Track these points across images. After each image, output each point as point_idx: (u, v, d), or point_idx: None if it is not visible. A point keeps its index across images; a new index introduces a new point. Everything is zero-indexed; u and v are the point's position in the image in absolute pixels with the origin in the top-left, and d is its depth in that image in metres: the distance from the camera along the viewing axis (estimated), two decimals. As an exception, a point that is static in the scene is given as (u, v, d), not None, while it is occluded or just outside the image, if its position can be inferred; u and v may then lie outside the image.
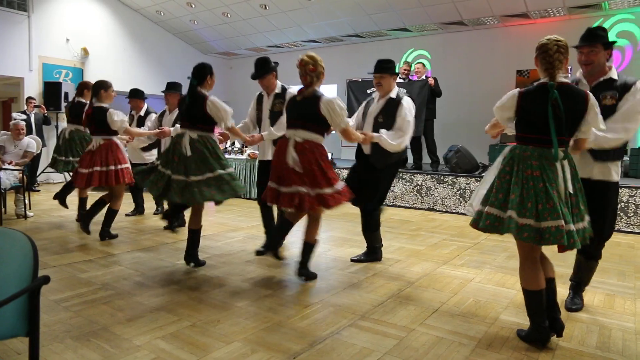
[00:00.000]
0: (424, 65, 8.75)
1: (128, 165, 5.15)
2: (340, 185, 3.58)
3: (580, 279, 3.37)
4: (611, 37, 8.87)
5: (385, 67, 4.03)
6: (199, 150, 3.83)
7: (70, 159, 5.89)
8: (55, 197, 5.94)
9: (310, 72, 3.54)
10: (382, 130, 3.96)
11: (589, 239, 2.65)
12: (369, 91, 8.59)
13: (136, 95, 6.36)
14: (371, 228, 4.40)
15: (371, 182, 4.22)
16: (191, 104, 3.91)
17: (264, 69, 4.33)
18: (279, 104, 4.33)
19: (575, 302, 3.32)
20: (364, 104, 4.35)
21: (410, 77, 8.68)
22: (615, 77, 3.03)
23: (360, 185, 4.18)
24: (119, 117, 4.94)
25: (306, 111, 3.54)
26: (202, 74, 3.96)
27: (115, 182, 4.97)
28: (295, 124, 3.59)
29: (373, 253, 4.46)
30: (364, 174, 4.24)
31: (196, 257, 4.17)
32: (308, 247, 3.77)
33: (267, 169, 4.07)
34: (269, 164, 4.11)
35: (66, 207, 6.01)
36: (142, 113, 6.30)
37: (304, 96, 3.58)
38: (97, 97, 4.99)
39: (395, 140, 3.95)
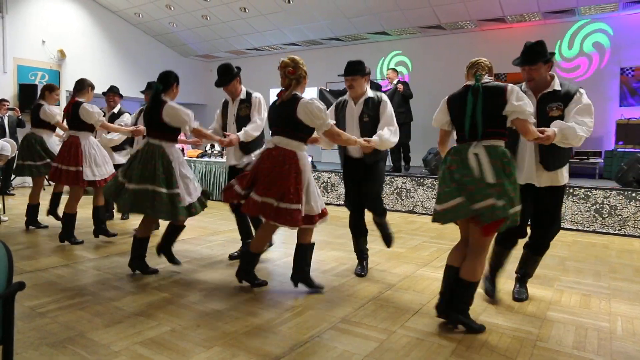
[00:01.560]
0: (395, 70, 8.76)
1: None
2: (296, 206, 3.26)
3: (525, 272, 3.63)
4: (586, 46, 9.06)
5: (356, 69, 3.87)
6: (148, 159, 3.75)
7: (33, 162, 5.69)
8: (48, 214, 5.97)
9: (289, 74, 3.40)
10: (379, 132, 3.81)
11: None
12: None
13: (112, 90, 6.28)
14: (385, 226, 4.30)
15: (370, 180, 4.04)
16: (151, 110, 3.86)
17: (227, 76, 4.27)
18: (245, 108, 4.33)
19: (522, 292, 3.58)
20: (333, 107, 4.12)
21: (380, 83, 8.70)
22: (558, 87, 3.21)
23: (362, 191, 4.06)
24: (94, 109, 4.93)
25: (284, 116, 3.39)
26: (167, 80, 3.92)
27: (72, 183, 4.94)
28: (276, 130, 3.46)
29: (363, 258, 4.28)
30: (364, 177, 4.03)
31: (144, 264, 4.08)
32: (302, 247, 3.63)
33: (236, 174, 3.89)
34: (236, 169, 4.26)
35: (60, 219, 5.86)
36: (115, 110, 6.16)
37: (283, 100, 3.43)
38: (79, 92, 5.05)
39: (394, 137, 3.85)
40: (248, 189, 3.42)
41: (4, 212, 6.40)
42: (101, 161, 5.09)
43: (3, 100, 9.21)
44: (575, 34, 9.29)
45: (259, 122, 4.25)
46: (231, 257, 4.60)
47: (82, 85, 5.09)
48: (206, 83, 14.29)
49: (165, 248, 4.17)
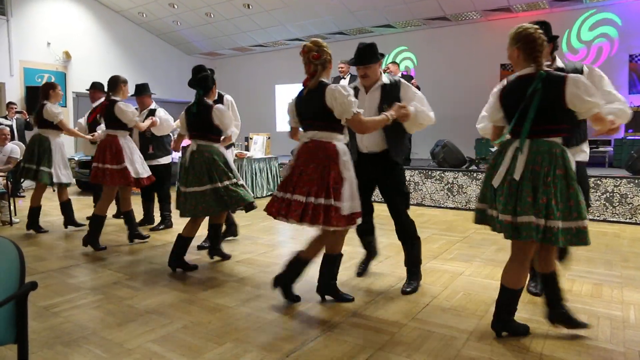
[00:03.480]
0: (396, 63, 8.71)
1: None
2: (345, 204, 2.97)
3: None
4: (592, 34, 8.99)
5: (370, 56, 3.40)
6: (200, 162, 3.89)
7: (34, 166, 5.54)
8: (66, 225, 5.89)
9: (314, 59, 3.03)
10: (412, 103, 3.34)
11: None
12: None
13: (96, 87, 6.33)
14: (413, 234, 3.62)
15: (393, 182, 3.55)
16: (200, 114, 3.93)
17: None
18: None
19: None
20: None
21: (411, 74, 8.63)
22: (561, 65, 3.14)
23: (386, 198, 3.59)
24: (129, 108, 4.88)
25: (314, 106, 3.03)
26: (207, 85, 4.01)
27: (118, 182, 4.84)
28: (308, 123, 3.11)
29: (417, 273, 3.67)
30: (383, 177, 3.55)
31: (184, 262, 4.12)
32: (329, 258, 3.28)
33: None
34: None
35: (80, 224, 5.93)
36: (94, 105, 6.13)
37: (310, 88, 3.07)
38: (114, 91, 4.96)
39: (431, 113, 3.44)
40: (289, 192, 3.09)
41: (15, 214, 6.45)
42: (141, 160, 5.06)
43: (11, 103, 9.28)
44: (582, 23, 9.20)
45: (238, 124, 4.51)
46: (200, 247, 4.72)
47: (115, 83, 4.97)
48: (236, 80, 14.32)
49: (216, 248, 4.36)
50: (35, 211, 5.71)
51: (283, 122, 13.20)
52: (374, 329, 2.83)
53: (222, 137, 4.14)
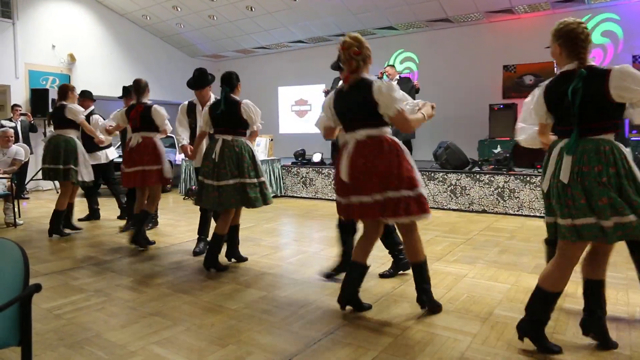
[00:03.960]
0: (393, 67, 8.69)
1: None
2: (422, 190, 2.94)
3: None
4: (595, 35, 8.97)
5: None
6: (230, 156, 3.99)
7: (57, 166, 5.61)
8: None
9: (355, 55, 2.92)
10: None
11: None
12: None
13: (85, 96, 6.46)
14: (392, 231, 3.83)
15: None
16: (229, 110, 4.02)
17: (203, 80, 4.49)
18: None
19: None
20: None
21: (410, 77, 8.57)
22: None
23: None
24: (164, 112, 5.01)
25: (359, 103, 2.93)
26: (231, 82, 4.12)
27: (156, 182, 4.93)
28: (352, 122, 2.99)
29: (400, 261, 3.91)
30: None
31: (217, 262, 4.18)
32: (417, 267, 3.14)
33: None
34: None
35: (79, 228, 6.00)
36: (85, 113, 6.12)
37: (351, 85, 2.97)
38: (144, 95, 5.09)
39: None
40: (348, 195, 3.00)
41: (19, 216, 6.48)
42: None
43: (16, 105, 9.32)
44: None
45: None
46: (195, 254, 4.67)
47: (142, 87, 5.10)
48: (214, 83, 14.34)
49: (234, 251, 4.43)
50: (59, 215, 5.57)
51: (286, 124, 13.22)
52: (378, 332, 2.82)
53: (249, 132, 4.24)
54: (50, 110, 5.78)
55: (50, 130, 5.95)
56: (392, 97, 2.82)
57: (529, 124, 2.90)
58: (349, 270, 3.17)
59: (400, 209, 2.84)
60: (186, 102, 4.70)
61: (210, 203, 4.06)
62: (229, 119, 4.04)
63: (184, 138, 4.66)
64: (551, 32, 2.56)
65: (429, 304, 3.10)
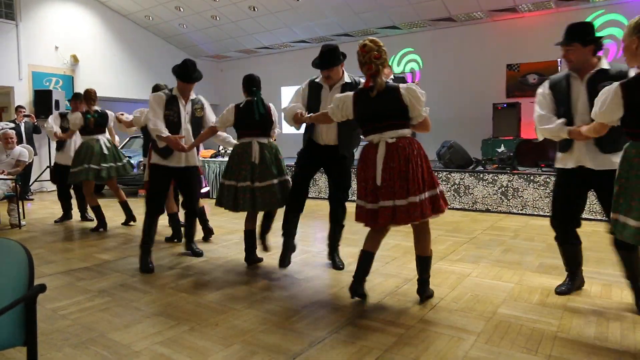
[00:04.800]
0: (390, 66, 8.67)
1: None
2: (440, 189, 3.11)
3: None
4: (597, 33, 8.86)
5: (332, 61, 3.69)
6: (270, 157, 4.08)
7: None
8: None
9: (376, 59, 3.00)
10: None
11: None
12: None
13: (78, 98, 6.52)
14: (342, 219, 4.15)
15: (343, 172, 4.02)
16: (266, 111, 4.10)
17: (197, 73, 4.36)
18: (199, 110, 4.45)
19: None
20: (304, 87, 3.98)
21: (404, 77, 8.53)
22: (606, 67, 3.01)
23: (337, 183, 4.05)
24: None
25: (388, 106, 3.01)
26: (259, 83, 4.21)
27: None
28: (377, 125, 3.05)
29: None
30: (334, 167, 4.01)
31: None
32: (425, 261, 3.29)
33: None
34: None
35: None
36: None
37: (379, 90, 3.02)
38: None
39: None
40: (370, 200, 3.07)
41: (24, 217, 6.50)
42: None
43: (19, 107, 9.35)
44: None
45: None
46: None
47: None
48: (218, 83, 14.36)
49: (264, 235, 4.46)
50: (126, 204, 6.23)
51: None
52: (381, 331, 2.82)
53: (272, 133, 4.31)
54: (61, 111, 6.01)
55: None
56: (423, 103, 3.00)
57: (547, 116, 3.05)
58: (361, 260, 3.25)
59: (427, 209, 2.96)
60: (162, 94, 4.28)
61: (247, 205, 4.03)
62: (265, 122, 4.10)
63: (165, 130, 4.17)
64: (629, 26, 2.48)
65: (427, 293, 3.31)
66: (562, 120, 3.04)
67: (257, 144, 4.06)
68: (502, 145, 8.37)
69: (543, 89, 3.24)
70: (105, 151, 5.94)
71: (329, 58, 3.70)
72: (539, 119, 3.16)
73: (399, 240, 5.18)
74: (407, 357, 2.49)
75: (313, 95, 3.88)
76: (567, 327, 2.84)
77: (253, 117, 4.04)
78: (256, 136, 4.10)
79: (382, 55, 3.04)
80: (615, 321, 2.94)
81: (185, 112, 4.33)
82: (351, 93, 3.19)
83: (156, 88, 5.54)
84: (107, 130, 6.16)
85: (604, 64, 3.04)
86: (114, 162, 6.00)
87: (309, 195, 7.89)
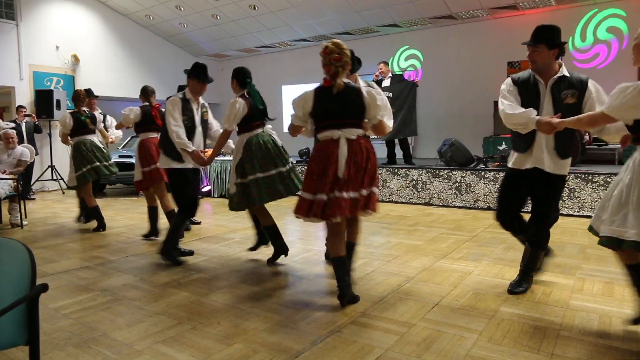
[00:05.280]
0: (386, 63, 8.65)
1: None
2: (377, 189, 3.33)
3: (527, 266, 3.49)
4: (600, 31, 8.91)
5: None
6: (273, 146, 4.11)
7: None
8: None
9: (336, 61, 3.13)
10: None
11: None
12: None
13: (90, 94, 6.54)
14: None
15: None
16: (264, 105, 4.16)
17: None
18: (205, 113, 4.51)
19: (521, 285, 3.46)
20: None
21: (381, 77, 8.43)
22: (567, 74, 3.15)
23: None
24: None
25: (345, 105, 3.13)
26: (251, 76, 4.17)
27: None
28: (337, 122, 3.14)
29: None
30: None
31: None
32: (353, 246, 3.52)
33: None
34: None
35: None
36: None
37: (338, 90, 3.12)
38: (153, 97, 5.46)
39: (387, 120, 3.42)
40: (329, 191, 3.12)
41: (25, 216, 6.51)
42: None
43: (20, 106, 9.36)
44: (590, 20, 9.12)
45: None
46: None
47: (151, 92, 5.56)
48: (218, 82, 14.32)
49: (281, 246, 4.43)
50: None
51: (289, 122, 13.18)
52: (383, 329, 2.82)
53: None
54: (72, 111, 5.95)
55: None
56: (383, 105, 3.17)
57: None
58: (338, 266, 3.22)
59: (372, 204, 3.19)
60: (177, 98, 4.23)
61: (278, 192, 4.04)
62: (264, 112, 4.17)
63: (190, 143, 4.18)
64: None
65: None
66: (532, 109, 3.06)
67: (265, 133, 4.12)
68: (504, 142, 8.37)
69: (507, 86, 3.28)
70: (96, 149, 5.94)
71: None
72: (508, 106, 3.17)
73: (400, 239, 5.18)
74: (409, 355, 2.49)
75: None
76: (570, 325, 2.83)
77: (261, 109, 4.11)
78: (260, 127, 4.13)
79: (343, 58, 3.15)
80: (618, 319, 2.94)
81: (197, 115, 4.34)
82: (311, 90, 3.25)
83: (144, 91, 5.57)
84: (98, 131, 6.15)
85: (564, 71, 3.15)
86: (104, 161, 5.97)
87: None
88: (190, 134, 4.23)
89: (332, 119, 3.16)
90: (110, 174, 6.15)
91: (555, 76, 3.13)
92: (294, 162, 4.27)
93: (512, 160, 3.39)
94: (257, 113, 4.09)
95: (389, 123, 3.36)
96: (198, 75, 4.26)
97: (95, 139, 6.05)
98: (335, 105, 3.14)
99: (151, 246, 5.06)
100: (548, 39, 3.08)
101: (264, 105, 4.14)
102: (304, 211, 3.18)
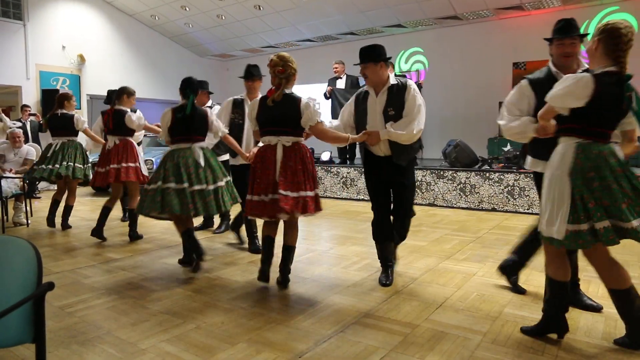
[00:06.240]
0: (391, 64, 8.67)
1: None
2: (317, 191, 3.52)
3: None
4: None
5: (367, 55, 3.51)
6: (210, 160, 4.07)
7: (52, 166, 5.81)
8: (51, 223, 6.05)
9: (279, 73, 3.39)
10: (388, 124, 3.45)
11: None
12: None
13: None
14: (405, 234, 3.89)
15: (401, 183, 3.65)
16: (192, 118, 3.99)
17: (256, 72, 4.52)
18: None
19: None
20: (353, 98, 3.74)
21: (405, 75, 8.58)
22: (394, 83, 3.38)
23: (391, 191, 3.72)
24: (136, 117, 5.32)
25: (283, 114, 3.36)
26: (196, 88, 4.14)
27: (127, 178, 5.19)
28: (274, 130, 3.40)
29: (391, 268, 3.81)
30: (392, 178, 3.63)
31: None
32: (292, 250, 3.65)
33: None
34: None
35: (68, 226, 6.09)
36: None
37: (274, 99, 3.37)
38: (119, 101, 5.35)
39: (404, 128, 3.41)
40: (269, 193, 3.34)
41: (32, 215, 6.54)
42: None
43: (25, 105, 9.41)
44: (596, 19, 9.09)
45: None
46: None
47: (119, 95, 5.44)
48: (223, 82, 14.38)
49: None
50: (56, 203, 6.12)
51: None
52: (387, 330, 2.82)
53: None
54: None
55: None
56: (314, 111, 3.34)
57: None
58: (267, 246, 3.58)
59: (310, 206, 3.37)
60: (231, 98, 4.65)
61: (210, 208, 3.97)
62: (196, 127, 4.06)
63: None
64: (597, 28, 2.50)
65: (286, 280, 3.62)
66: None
67: (197, 148, 4.02)
68: (509, 144, 8.35)
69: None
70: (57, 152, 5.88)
71: (364, 53, 3.59)
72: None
73: (406, 240, 5.17)
74: (413, 356, 2.49)
75: (360, 105, 3.68)
76: (575, 328, 2.83)
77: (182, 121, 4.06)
78: (190, 141, 4.02)
79: (287, 70, 3.40)
80: (622, 321, 2.92)
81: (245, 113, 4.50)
82: (259, 98, 3.57)
83: (110, 93, 5.90)
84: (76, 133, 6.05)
85: (392, 80, 3.47)
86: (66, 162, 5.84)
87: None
88: (239, 131, 4.54)
89: (271, 126, 3.43)
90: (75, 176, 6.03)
91: (579, 71, 2.84)
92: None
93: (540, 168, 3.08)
94: (178, 127, 3.99)
95: (332, 131, 3.54)
96: (244, 74, 4.52)
97: (63, 140, 6.01)
98: (273, 113, 3.40)
99: (155, 245, 5.07)
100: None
101: (189, 120, 3.97)
102: (249, 210, 3.47)
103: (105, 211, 5.31)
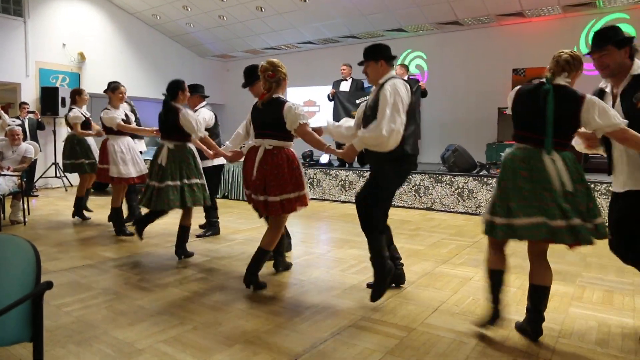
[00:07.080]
0: (404, 67, 8.69)
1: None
2: (305, 190, 3.64)
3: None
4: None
5: (366, 53, 3.36)
6: (175, 159, 4.37)
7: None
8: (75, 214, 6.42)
9: (270, 78, 3.50)
10: (359, 131, 3.26)
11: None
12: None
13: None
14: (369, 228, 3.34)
15: (370, 180, 3.41)
16: (165, 117, 4.42)
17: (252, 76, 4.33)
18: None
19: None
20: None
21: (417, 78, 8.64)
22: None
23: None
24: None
25: (271, 118, 3.49)
26: (173, 89, 4.43)
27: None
28: (264, 133, 3.56)
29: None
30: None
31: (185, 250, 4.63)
32: (266, 254, 3.66)
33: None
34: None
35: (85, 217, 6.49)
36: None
37: (264, 103, 3.55)
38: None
39: (369, 132, 3.06)
40: (263, 194, 3.53)
41: (29, 214, 6.54)
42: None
43: (23, 103, 9.39)
44: (592, 27, 9.12)
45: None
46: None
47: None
48: (224, 83, 14.39)
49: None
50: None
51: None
52: (383, 333, 2.84)
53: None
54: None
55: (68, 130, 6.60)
56: (295, 114, 3.40)
57: None
58: (257, 254, 3.62)
59: (294, 205, 3.51)
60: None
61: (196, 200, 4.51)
62: (168, 126, 4.48)
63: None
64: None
65: (257, 284, 3.64)
66: None
67: (166, 147, 4.44)
68: (507, 149, 8.38)
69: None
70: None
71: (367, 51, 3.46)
72: None
73: (402, 243, 5.18)
74: (409, 360, 2.50)
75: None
76: (569, 333, 2.84)
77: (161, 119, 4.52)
78: (164, 139, 4.50)
79: (277, 74, 3.50)
80: (617, 327, 2.94)
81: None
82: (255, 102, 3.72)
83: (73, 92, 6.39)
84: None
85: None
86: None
87: (313, 197, 7.92)
88: None
89: (259, 129, 3.60)
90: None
91: (626, 82, 2.77)
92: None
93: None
94: (159, 126, 4.55)
95: (315, 134, 3.50)
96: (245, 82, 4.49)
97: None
98: (261, 117, 3.56)
99: (153, 246, 5.08)
100: (613, 38, 2.72)
101: (165, 118, 4.43)
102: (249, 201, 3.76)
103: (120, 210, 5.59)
